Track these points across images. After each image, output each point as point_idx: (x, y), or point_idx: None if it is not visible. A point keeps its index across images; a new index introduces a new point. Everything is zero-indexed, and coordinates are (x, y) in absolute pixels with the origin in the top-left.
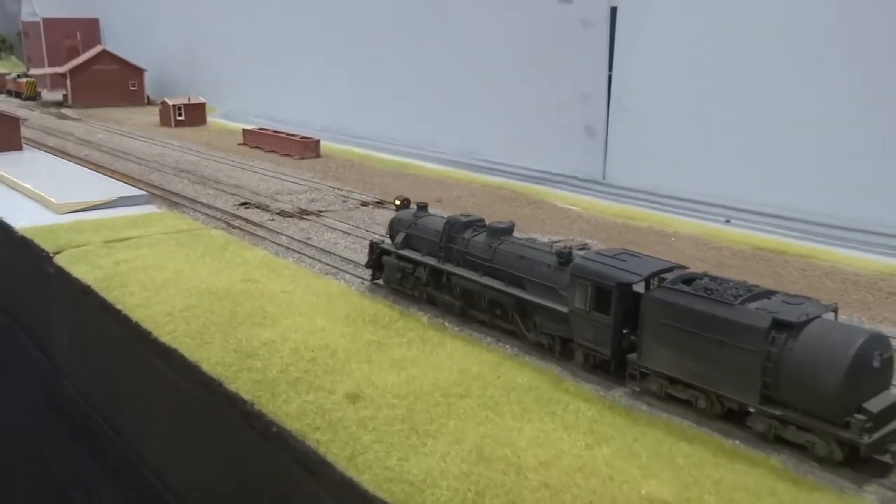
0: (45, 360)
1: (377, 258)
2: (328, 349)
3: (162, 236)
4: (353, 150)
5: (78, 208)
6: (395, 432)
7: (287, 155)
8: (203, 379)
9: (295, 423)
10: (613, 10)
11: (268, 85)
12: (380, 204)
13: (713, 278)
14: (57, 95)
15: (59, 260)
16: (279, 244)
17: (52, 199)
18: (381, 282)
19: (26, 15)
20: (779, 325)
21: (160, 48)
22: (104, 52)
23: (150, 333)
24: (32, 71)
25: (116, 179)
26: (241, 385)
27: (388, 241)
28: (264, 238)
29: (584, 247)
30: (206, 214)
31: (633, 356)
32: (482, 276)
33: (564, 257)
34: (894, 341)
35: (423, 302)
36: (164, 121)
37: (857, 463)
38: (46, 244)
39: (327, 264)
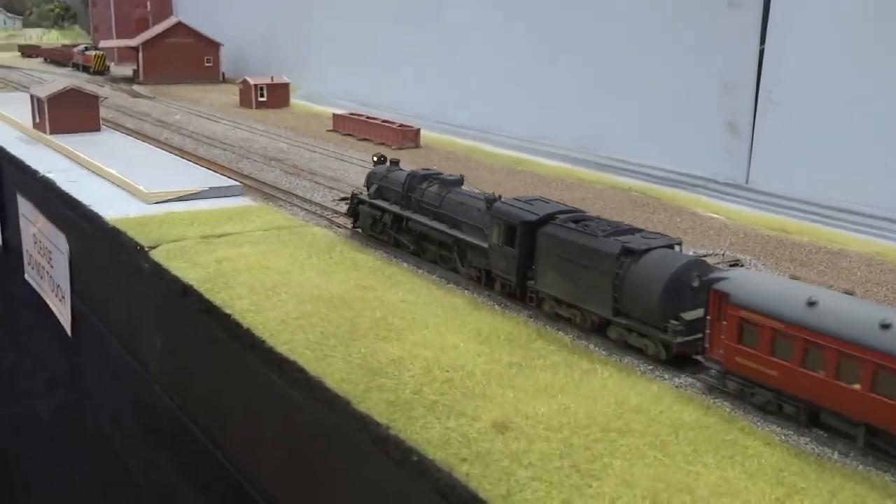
0: (134, 363)
1: (355, 207)
2: (464, 370)
3: (262, 233)
4: (456, 140)
5: (168, 198)
6: (553, 469)
7: (383, 144)
8: (327, 396)
9: (438, 453)
10: None
11: (355, 64)
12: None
13: (599, 220)
14: (126, 70)
15: (156, 255)
16: (390, 245)
17: (141, 188)
18: (359, 229)
19: None
20: (626, 251)
21: (236, 20)
22: (179, 25)
23: (264, 342)
24: (101, 43)
25: (203, 167)
26: (373, 406)
27: (366, 192)
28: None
29: (735, 263)
30: (306, 210)
31: (531, 282)
32: (432, 220)
33: (489, 202)
34: None
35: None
36: (245, 101)
37: (687, 364)
38: (140, 237)
39: (448, 269)
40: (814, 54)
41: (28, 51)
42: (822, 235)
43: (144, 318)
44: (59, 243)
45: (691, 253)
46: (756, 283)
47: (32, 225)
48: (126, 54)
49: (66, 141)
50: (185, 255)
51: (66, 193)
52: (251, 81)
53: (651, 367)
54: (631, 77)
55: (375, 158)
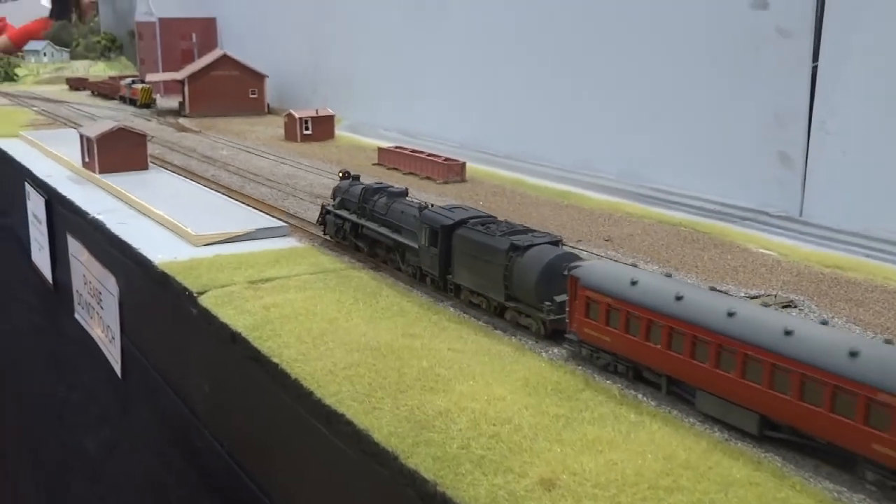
0: (182, 405)
1: (323, 217)
2: (511, 423)
3: (309, 277)
4: (501, 173)
5: (216, 240)
6: None
7: (429, 178)
8: (375, 450)
9: None
10: (820, 17)
11: (399, 94)
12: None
13: (502, 223)
14: (172, 102)
15: (204, 301)
16: (437, 288)
17: (189, 230)
18: (328, 236)
19: (140, 15)
20: (513, 247)
21: (280, 51)
22: (224, 57)
23: (312, 394)
24: (148, 77)
25: (249, 206)
26: (420, 461)
27: (332, 203)
28: (420, 280)
29: (789, 304)
30: (351, 250)
31: (450, 276)
32: (380, 227)
33: (420, 210)
34: None
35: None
36: (290, 135)
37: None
38: (189, 282)
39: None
40: (869, 83)
41: (75, 83)
42: (878, 272)
43: (193, 362)
44: (109, 285)
45: (742, 294)
46: (598, 268)
47: (82, 265)
48: (172, 86)
49: (115, 180)
50: (233, 302)
51: (116, 236)
52: (296, 115)
53: (700, 419)
54: (678, 105)
55: (341, 174)
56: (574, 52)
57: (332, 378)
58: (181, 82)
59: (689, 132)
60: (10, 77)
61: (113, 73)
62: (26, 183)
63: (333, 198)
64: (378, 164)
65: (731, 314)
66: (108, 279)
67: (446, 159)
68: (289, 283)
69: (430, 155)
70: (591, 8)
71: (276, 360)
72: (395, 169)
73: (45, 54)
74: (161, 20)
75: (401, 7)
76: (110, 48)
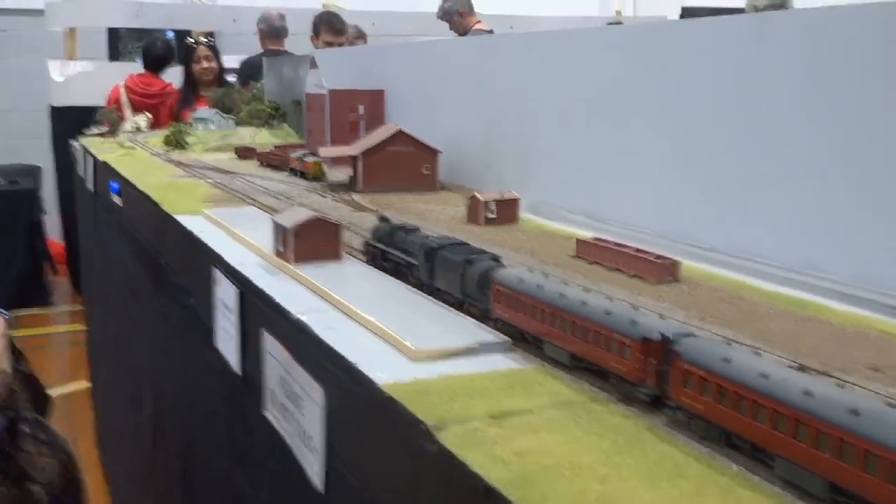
0: None
1: (365, 248)
2: None
3: (554, 413)
4: (716, 272)
5: (436, 356)
6: None
7: (637, 276)
8: None
9: None
10: None
11: (584, 172)
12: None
13: (466, 246)
14: (340, 175)
15: (444, 439)
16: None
17: (408, 344)
18: (370, 262)
19: (311, 87)
20: (466, 261)
21: (450, 123)
22: (399, 133)
23: None
24: (321, 152)
25: (457, 310)
26: None
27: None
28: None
29: None
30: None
31: (433, 283)
32: (399, 252)
33: (421, 239)
34: None
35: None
36: (472, 217)
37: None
38: (421, 412)
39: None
40: None
41: (243, 153)
42: None
43: (423, 501)
44: (314, 393)
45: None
46: (506, 272)
47: (280, 365)
48: (340, 159)
49: (312, 273)
50: (480, 444)
51: (325, 342)
52: (480, 197)
53: None
54: None
55: (379, 217)
56: (792, 130)
57: None
58: (354, 157)
59: None
60: (181, 145)
61: (276, 140)
62: (214, 268)
63: (371, 234)
64: (577, 257)
65: (540, 286)
66: (313, 387)
67: (658, 257)
68: (535, 421)
69: (638, 251)
70: (814, 84)
71: None
72: (597, 263)
73: (212, 122)
74: (331, 92)
75: (583, 76)
76: (274, 115)
